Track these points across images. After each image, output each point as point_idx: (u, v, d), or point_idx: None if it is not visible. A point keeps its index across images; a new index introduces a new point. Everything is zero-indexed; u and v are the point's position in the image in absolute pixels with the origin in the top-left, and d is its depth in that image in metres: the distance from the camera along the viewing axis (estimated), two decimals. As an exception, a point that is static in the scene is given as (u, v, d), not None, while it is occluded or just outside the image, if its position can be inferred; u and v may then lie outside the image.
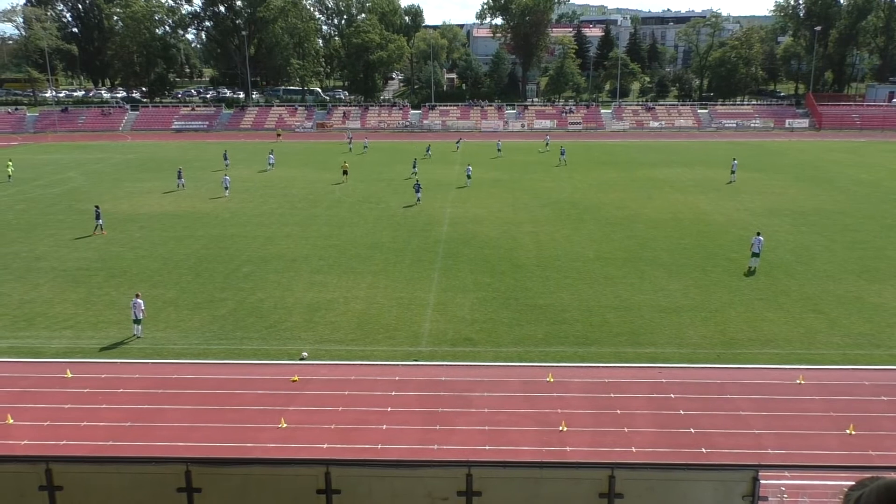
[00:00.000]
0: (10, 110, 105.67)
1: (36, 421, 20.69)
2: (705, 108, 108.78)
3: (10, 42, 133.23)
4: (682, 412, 20.73)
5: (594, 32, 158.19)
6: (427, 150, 73.97)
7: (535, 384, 22.55)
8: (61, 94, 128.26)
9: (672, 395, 21.78)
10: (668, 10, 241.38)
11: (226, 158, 66.29)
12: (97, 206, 43.06)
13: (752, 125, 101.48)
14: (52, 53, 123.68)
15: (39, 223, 44.11)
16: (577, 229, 42.03)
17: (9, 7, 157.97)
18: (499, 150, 75.43)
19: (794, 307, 29.01)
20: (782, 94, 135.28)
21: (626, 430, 19.77)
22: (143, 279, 33.16)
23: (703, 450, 18.74)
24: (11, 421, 20.56)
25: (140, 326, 26.46)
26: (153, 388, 22.63)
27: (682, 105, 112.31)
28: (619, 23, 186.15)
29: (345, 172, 59.08)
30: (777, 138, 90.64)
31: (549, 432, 19.68)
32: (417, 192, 49.86)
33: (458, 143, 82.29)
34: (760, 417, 20.37)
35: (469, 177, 57.17)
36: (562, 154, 68.48)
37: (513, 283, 32.17)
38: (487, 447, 18.78)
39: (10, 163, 61.91)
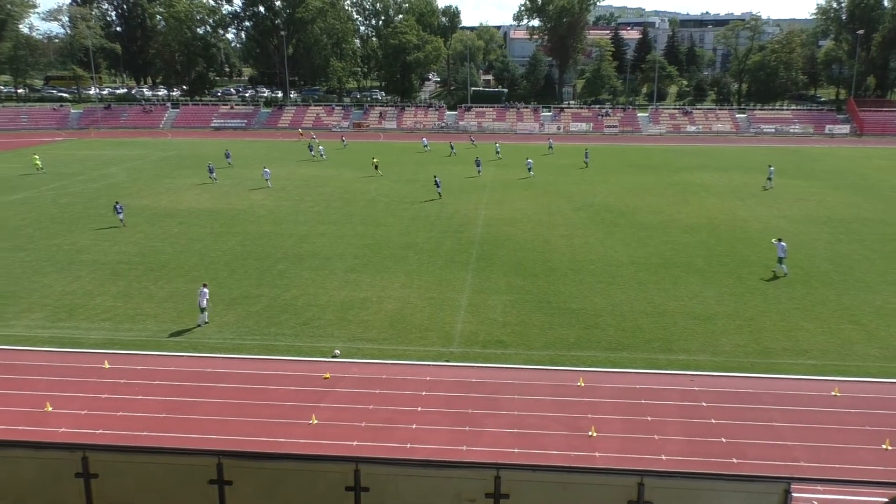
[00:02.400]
0: (55, 107, 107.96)
1: (73, 409, 21.18)
2: (744, 113, 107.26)
3: (57, 40, 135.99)
4: (713, 421, 20.51)
5: (631, 35, 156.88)
6: (452, 149, 75.85)
7: (566, 388, 22.48)
8: (104, 92, 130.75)
9: (704, 404, 21.56)
10: (707, 12, 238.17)
11: (227, 157, 67.94)
12: (117, 202, 44.24)
13: (792, 131, 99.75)
14: (96, 52, 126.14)
15: (82, 217, 45.07)
16: (611, 233, 41.76)
17: (55, 6, 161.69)
18: (550, 147, 77.59)
19: (830, 317, 28.50)
20: (823, 99, 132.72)
21: (656, 437, 19.62)
22: (180, 274, 33.72)
23: (734, 460, 18.52)
24: (50, 409, 21.07)
25: (205, 314, 27.57)
26: (188, 381, 23.02)
27: (720, 109, 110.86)
28: (656, 25, 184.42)
29: (376, 167, 62.29)
30: (817, 144, 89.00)
31: (578, 437, 19.61)
32: (438, 186, 51.99)
33: (473, 141, 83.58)
34: (794, 429, 20.06)
35: (530, 170, 61.45)
36: (586, 157, 68.51)
37: (545, 286, 32.08)
38: (516, 450, 18.77)
39: (36, 157, 63.86)
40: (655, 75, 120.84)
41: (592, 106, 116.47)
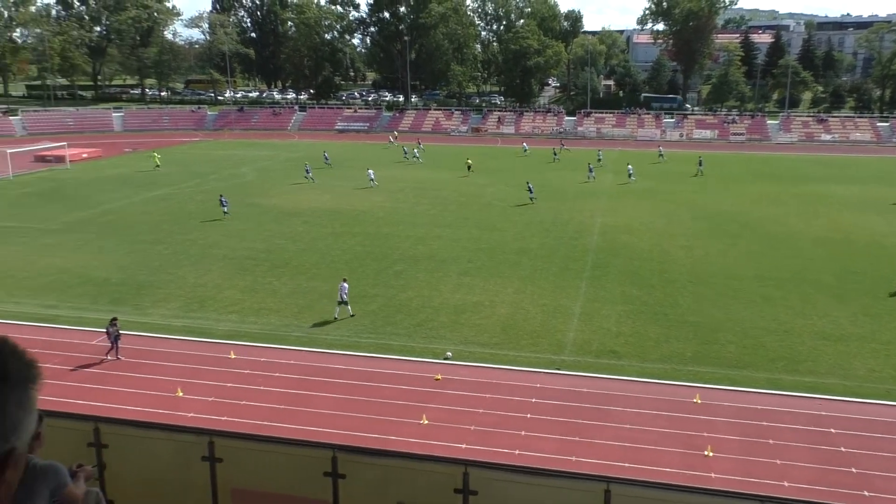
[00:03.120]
0: (193, 109, 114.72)
1: (201, 396, 22.45)
2: (886, 121, 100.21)
3: (197, 46, 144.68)
4: (842, 449, 19.32)
5: (763, 39, 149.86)
6: (555, 154, 74.54)
7: (681, 404, 21.79)
8: (238, 95, 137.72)
9: (832, 430, 20.34)
10: (848, 14, 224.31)
11: (326, 159, 69.86)
12: (221, 195, 48.07)
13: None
14: (232, 57, 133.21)
15: (214, 214, 47.63)
16: (735, 245, 40.10)
17: (197, 14, 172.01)
18: (661, 155, 75.10)
19: (981, 344, 26.22)
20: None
21: (777, 461, 18.69)
22: (301, 271, 35.05)
23: (865, 493, 17.38)
24: (181, 394, 22.41)
25: (345, 307, 28.87)
26: (305, 375, 23.91)
27: (859, 117, 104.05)
28: (791, 28, 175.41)
29: (469, 167, 64.91)
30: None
31: (692, 456, 18.96)
32: (531, 192, 51.76)
33: (525, 148, 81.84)
34: (934, 462, 18.60)
35: (630, 175, 60.97)
36: (699, 164, 65.92)
37: (662, 298, 31.21)
38: (626, 464, 18.37)
39: (157, 155, 68.36)
40: (788, 81, 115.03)
41: (718, 112, 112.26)
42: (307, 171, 60.89)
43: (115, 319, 25.27)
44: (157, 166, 66.35)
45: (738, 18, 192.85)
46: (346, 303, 28.81)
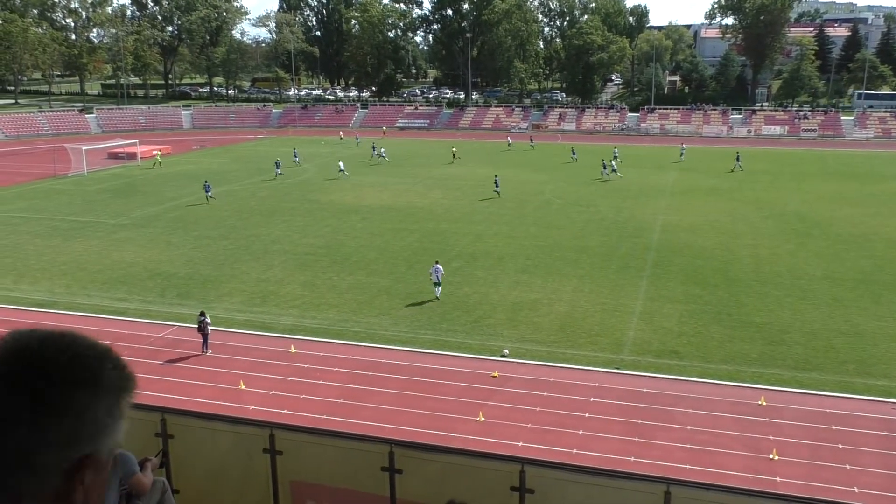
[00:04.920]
0: (259, 107, 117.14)
1: (263, 389, 22.89)
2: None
3: (263, 45, 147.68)
4: (917, 456, 18.53)
5: (839, 32, 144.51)
6: (612, 162, 62.87)
7: (745, 406, 21.23)
8: (302, 93, 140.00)
9: (906, 437, 19.52)
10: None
11: (295, 157, 70.22)
12: (206, 181, 51.53)
13: None
14: (297, 55, 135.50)
15: (277, 210, 48.54)
16: (804, 245, 38.86)
17: (264, 13, 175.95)
18: (682, 154, 71.40)
19: None
20: None
21: (847, 467, 18.04)
22: (361, 267, 35.41)
23: (941, 502, 16.63)
24: (243, 387, 22.91)
25: (439, 288, 30.37)
26: (364, 370, 24.14)
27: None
28: (869, 21, 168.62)
29: (454, 156, 69.11)
30: None
31: (757, 459, 18.46)
32: (497, 186, 52.14)
33: (531, 142, 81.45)
34: None
35: (738, 159, 63.77)
36: (737, 160, 64.33)
37: (726, 298, 30.46)
38: (688, 466, 17.98)
39: (159, 154, 69.20)
40: (865, 76, 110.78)
41: (789, 108, 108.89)
42: (341, 168, 61.58)
43: (203, 313, 25.72)
44: (159, 163, 66.63)
45: (813, 12, 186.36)
46: (440, 284, 30.25)
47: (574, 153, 70.55)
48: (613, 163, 61.60)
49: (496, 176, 54.00)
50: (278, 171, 61.73)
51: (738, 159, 64.58)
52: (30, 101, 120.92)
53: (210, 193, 50.10)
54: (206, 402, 21.34)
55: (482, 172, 63.67)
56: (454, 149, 71.74)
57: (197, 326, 25.30)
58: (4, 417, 1.47)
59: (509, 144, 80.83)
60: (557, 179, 59.68)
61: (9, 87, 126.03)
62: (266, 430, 7.06)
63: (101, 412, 1.55)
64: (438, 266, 30.53)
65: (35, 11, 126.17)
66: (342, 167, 61.19)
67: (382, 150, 72.24)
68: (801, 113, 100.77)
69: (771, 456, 18.48)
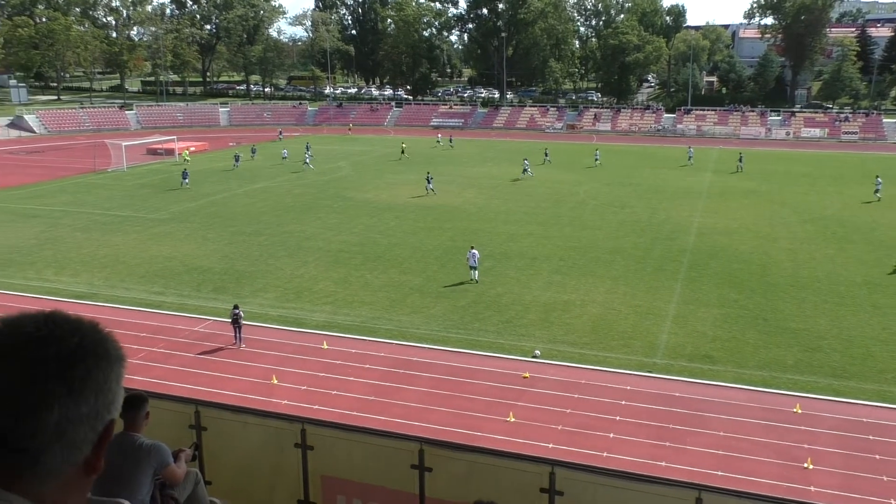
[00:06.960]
0: (294, 104, 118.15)
1: (295, 384, 23.12)
2: None
3: (300, 43, 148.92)
4: (957, 469, 18.09)
5: (882, 32, 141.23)
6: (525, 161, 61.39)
7: (780, 413, 20.90)
8: (338, 91, 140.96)
9: (946, 448, 19.07)
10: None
11: (253, 152, 71.12)
12: (185, 170, 56.21)
13: None
14: (332, 54, 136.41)
15: (312, 207, 48.93)
16: (843, 250, 38.13)
17: (301, 12, 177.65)
18: (690, 158, 67.72)
19: None
20: None
21: (884, 478, 17.68)
22: (394, 265, 35.56)
23: (982, 516, 16.22)
24: (276, 382, 23.15)
25: (476, 272, 32.19)
26: (395, 368, 24.25)
27: None
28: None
29: (402, 151, 70.53)
30: None
31: (791, 467, 18.18)
32: (429, 183, 53.01)
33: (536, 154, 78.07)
34: None
35: (740, 160, 64.26)
36: (739, 161, 64.53)
37: (762, 302, 30.02)
38: (719, 472, 17.78)
39: (187, 151, 69.39)
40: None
41: (829, 110, 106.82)
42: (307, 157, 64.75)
43: (237, 306, 25.97)
44: (187, 160, 66.53)
45: (855, 12, 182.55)
46: (476, 268, 31.88)
47: (547, 154, 69.62)
48: (526, 162, 61.42)
49: (525, 160, 59.37)
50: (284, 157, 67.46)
51: (740, 160, 64.99)
52: (72, 98, 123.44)
53: (187, 181, 54.87)
54: (239, 396, 21.63)
55: (516, 172, 63.43)
56: (404, 144, 73.26)
57: (231, 319, 25.64)
58: (44, 399, 1.59)
59: (438, 140, 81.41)
60: (591, 180, 59.20)
61: (52, 84, 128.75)
62: (298, 424, 7.15)
63: (114, 382, 1.70)
64: (475, 251, 32.10)
65: (77, 10, 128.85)
66: (285, 154, 67.90)
67: (309, 154, 66.60)
68: (842, 115, 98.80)
69: (805, 465, 18.19)
